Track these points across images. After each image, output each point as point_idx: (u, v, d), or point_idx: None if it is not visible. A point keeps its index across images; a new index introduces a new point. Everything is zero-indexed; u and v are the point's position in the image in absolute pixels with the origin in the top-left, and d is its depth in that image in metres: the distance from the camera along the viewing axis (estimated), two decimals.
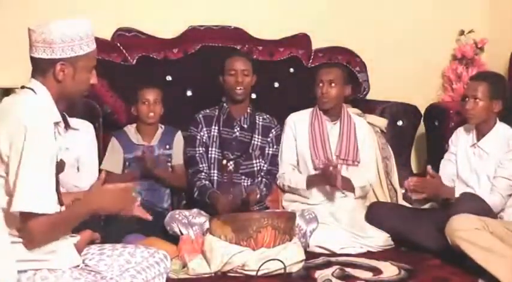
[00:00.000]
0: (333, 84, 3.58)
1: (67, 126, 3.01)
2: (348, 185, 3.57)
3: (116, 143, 3.56)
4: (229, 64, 3.49)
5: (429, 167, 3.28)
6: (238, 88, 3.48)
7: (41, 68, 2.08)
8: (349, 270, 3.02)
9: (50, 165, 1.99)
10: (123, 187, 2.15)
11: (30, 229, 1.96)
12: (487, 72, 3.85)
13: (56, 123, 2.07)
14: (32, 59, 2.09)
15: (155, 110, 3.53)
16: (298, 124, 3.69)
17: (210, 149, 3.53)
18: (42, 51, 2.06)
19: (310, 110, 3.71)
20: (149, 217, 2.33)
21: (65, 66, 2.07)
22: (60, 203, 2.06)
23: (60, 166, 2.10)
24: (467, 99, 3.37)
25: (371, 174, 3.74)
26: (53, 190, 2.00)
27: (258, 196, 3.41)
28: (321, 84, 3.59)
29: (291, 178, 3.63)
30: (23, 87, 2.10)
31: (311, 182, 3.57)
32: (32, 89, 2.06)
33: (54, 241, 2.05)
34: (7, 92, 3.48)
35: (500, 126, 3.41)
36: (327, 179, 3.46)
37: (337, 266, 3.05)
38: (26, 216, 1.95)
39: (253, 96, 3.84)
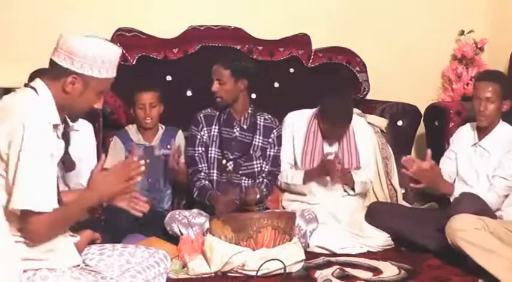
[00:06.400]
0: None
1: (68, 128, 3.02)
2: (348, 179, 3.57)
3: (118, 141, 3.57)
4: (211, 72, 3.47)
5: (429, 151, 3.25)
6: (215, 96, 3.45)
7: (54, 72, 2.08)
8: (349, 270, 3.02)
9: (50, 163, 1.99)
10: (122, 163, 2.17)
11: (31, 227, 1.97)
12: (493, 71, 3.79)
13: (55, 126, 2.07)
14: (50, 61, 2.09)
15: (152, 114, 3.54)
16: (297, 124, 3.68)
17: (210, 148, 3.52)
18: (62, 58, 2.05)
19: (311, 111, 3.70)
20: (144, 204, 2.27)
21: (76, 81, 2.06)
22: (59, 202, 2.05)
23: (70, 165, 2.11)
24: (478, 100, 3.32)
25: (370, 174, 3.74)
26: (52, 188, 1.99)
27: (258, 196, 3.40)
28: None
29: (287, 174, 3.64)
30: (26, 85, 2.10)
31: (308, 175, 3.57)
32: (35, 89, 2.06)
33: (55, 237, 2.06)
34: (7, 92, 3.48)
35: (502, 126, 3.41)
36: (324, 170, 3.47)
37: (337, 266, 3.06)
38: (26, 214, 1.95)
39: (253, 96, 3.84)
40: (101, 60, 2.06)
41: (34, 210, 1.94)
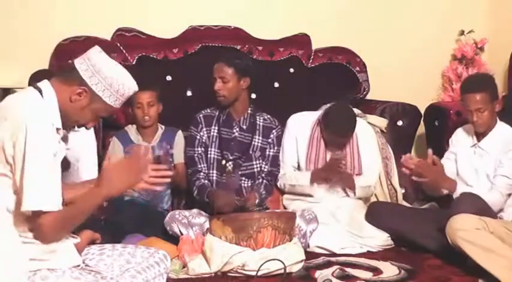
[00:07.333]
0: None
1: (68, 129, 3.02)
2: (350, 183, 3.57)
3: (116, 142, 3.57)
4: (213, 70, 3.46)
5: (430, 151, 3.25)
6: (217, 95, 3.44)
7: (69, 76, 2.10)
8: (349, 270, 3.02)
9: (54, 163, 2.00)
10: (131, 156, 2.20)
11: (42, 227, 1.97)
12: (476, 79, 3.66)
13: (57, 130, 2.07)
14: (71, 64, 2.11)
15: (150, 113, 3.53)
16: (299, 128, 3.67)
17: (209, 149, 3.52)
18: (85, 68, 2.08)
19: (313, 116, 3.68)
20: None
21: (84, 94, 2.09)
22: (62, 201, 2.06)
23: (64, 164, 2.11)
24: (469, 112, 3.30)
25: (372, 179, 3.73)
26: (58, 187, 2.00)
27: (257, 201, 3.41)
28: None
29: (292, 176, 3.62)
30: (34, 86, 2.10)
31: (315, 175, 3.56)
32: (40, 91, 2.06)
33: (65, 236, 2.07)
34: (7, 92, 3.49)
35: (500, 126, 3.41)
36: (331, 170, 3.47)
37: (337, 266, 3.06)
38: (36, 215, 1.96)
39: (253, 96, 3.84)
40: (116, 89, 2.12)
41: (43, 210, 1.95)
